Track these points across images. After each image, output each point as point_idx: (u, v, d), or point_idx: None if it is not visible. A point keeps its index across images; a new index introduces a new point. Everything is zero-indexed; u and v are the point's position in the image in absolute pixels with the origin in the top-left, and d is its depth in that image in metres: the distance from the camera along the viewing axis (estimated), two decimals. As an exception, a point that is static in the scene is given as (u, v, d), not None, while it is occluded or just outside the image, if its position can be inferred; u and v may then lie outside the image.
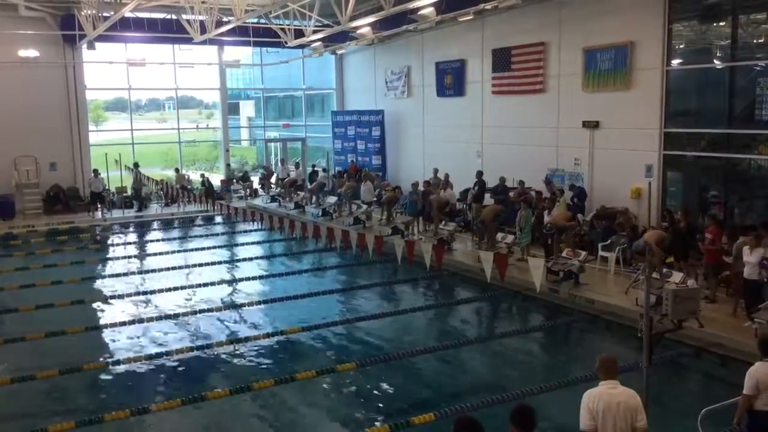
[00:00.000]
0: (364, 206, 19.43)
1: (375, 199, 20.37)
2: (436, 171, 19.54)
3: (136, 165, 23.69)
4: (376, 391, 8.70)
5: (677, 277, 10.36)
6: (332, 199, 20.86)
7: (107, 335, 11.05)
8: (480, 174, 17.85)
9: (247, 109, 35.41)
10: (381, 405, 8.27)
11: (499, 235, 14.66)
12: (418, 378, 9.19)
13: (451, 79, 20.77)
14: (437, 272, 13.20)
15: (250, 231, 19.33)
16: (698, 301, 9.63)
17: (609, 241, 13.49)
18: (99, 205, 22.02)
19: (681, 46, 14.43)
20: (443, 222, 16.50)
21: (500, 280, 11.62)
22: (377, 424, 7.63)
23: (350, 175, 22.87)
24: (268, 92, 31.16)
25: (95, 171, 22.49)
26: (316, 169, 26.50)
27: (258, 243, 18.17)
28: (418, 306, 12.41)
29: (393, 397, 8.53)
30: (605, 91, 15.51)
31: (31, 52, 21.46)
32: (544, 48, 17.21)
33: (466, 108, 20.16)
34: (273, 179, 25.50)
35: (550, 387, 8.23)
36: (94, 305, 12.69)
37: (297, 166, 25.46)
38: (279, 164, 26.48)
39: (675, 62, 14.34)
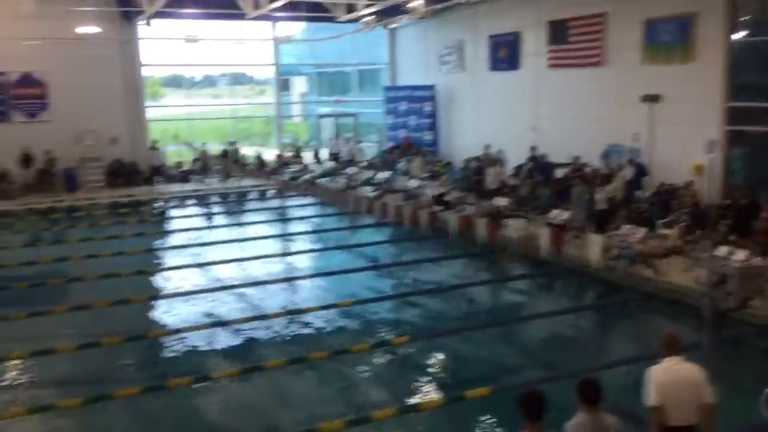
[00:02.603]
0: (417, 181, 19.38)
1: (427, 174, 20.29)
2: (488, 147, 19.34)
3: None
4: (429, 365, 8.75)
5: (741, 254, 10.05)
6: (385, 174, 20.85)
7: (168, 304, 11.38)
8: (533, 149, 17.60)
9: (299, 85, 35.62)
10: (435, 378, 8.31)
11: (555, 212, 14.45)
12: (471, 353, 9.20)
13: (505, 53, 20.44)
14: (490, 248, 13.13)
15: (303, 205, 19.54)
16: (765, 278, 9.34)
17: (669, 218, 13.16)
18: (158, 179, 22.58)
19: (746, 18, 13.84)
20: (496, 198, 16.36)
21: (555, 257, 11.49)
22: (431, 397, 7.70)
23: (403, 152, 22.82)
24: (319, 68, 31.23)
25: (154, 145, 23.04)
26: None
27: (310, 217, 18.35)
28: (471, 281, 12.35)
29: (446, 371, 8.57)
30: (666, 64, 15.03)
31: (91, 29, 21.90)
32: (602, 19, 16.75)
33: (521, 82, 19.83)
34: (325, 154, 25.65)
35: (606, 365, 8.14)
36: (155, 275, 13.08)
37: (347, 141, 25.54)
38: (331, 139, 26.61)
39: (739, 34, 13.78)
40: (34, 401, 7.60)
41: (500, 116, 20.70)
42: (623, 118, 16.24)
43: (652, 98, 15.40)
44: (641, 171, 15.10)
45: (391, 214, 14.62)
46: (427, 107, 23.98)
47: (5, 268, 13.15)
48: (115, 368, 8.74)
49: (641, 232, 12.05)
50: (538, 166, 17.34)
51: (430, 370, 8.58)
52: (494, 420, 7.03)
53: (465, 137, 22.55)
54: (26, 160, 21.38)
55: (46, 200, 20.23)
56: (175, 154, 24.24)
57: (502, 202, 15.83)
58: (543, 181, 16.50)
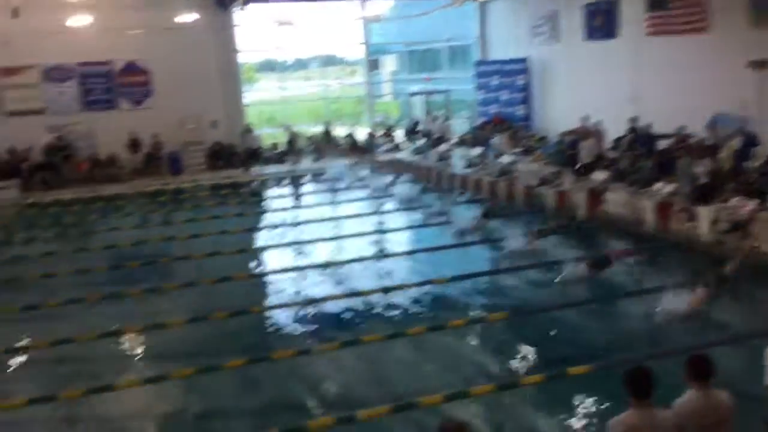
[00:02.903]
0: (510, 157, 19.07)
1: (520, 149, 19.92)
2: (585, 119, 18.71)
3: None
4: (528, 341, 8.60)
5: None
6: (477, 151, 20.64)
7: (268, 281, 11.79)
8: (634, 120, 16.89)
9: (388, 63, 35.66)
10: (534, 355, 8.19)
11: (658, 185, 13.86)
12: (572, 330, 9.01)
13: (600, 21, 19.62)
14: (590, 223, 12.75)
15: (396, 183, 19.60)
16: None
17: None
18: (254, 161, 23.29)
19: None
20: (595, 171, 15.85)
21: (660, 231, 11.03)
22: (530, 373, 7.62)
23: (494, 127, 22.47)
24: (409, 46, 31.15)
25: (249, 128, 23.74)
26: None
27: (403, 195, 18.36)
28: (571, 258, 11.98)
29: (545, 348, 8.41)
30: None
31: (189, 17, 22.74)
32: (708, -19, 15.78)
33: (618, 51, 18.98)
34: (417, 132, 25.62)
35: (715, 343, 7.78)
36: (256, 254, 13.55)
37: (435, 119, 25.40)
38: (422, 117, 26.55)
39: None
40: (148, 372, 8.08)
41: (597, 87, 19.94)
42: (729, 85, 15.26)
43: (760, 64, 14.41)
44: (750, 141, 14.19)
45: (484, 190, 14.44)
46: (520, 81, 23.44)
47: (118, 248, 14.00)
48: (222, 341, 9.11)
49: (751, 204, 11.39)
50: (639, 138, 16.62)
51: (528, 346, 8.46)
52: (597, 397, 6.88)
53: (559, 110, 21.89)
54: (134, 145, 22.54)
55: (154, 183, 21.30)
56: (270, 136, 24.88)
57: (601, 175, 15.35)
58: (644, 154, 15.82)
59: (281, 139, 25.05)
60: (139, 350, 8.96)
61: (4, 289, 11.70)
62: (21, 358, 8.70)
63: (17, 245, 15.59)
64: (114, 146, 22.17)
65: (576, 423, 6.56)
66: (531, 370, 7.77)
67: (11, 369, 8.47)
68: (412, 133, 25.69)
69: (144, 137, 22.54)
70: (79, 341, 8.91)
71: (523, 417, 6.76)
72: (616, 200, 13.68)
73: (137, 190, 20.57)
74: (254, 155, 23.54)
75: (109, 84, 22.79)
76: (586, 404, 6.89)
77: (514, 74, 23.71)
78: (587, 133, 17.70)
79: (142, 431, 6.87)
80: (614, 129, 17.50)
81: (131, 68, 22.92)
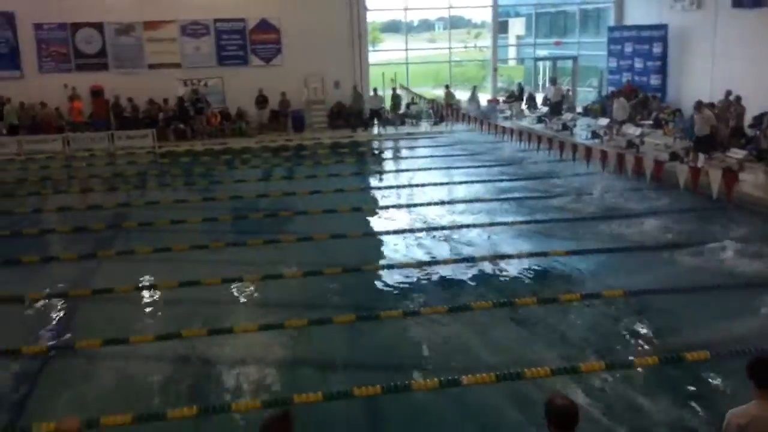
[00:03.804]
0: (639, 129, 18.15)
1: (651, 122, 18.91)
2: (728, 93, 17.39)
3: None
4: (644, 321, 8.24)
5: None
6: (604, 122, 19.80)
7: (381, 241, 11.94)
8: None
9: (516, 26, 34.65)
10: (649, 336, 7.85)
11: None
12: (695, 314, 8.55)
13: (752, -13, 18.05)
14: (724, 204, 11.91)
15: (517, 150, 19.15)
16: None
17: None
18: (376, 122, 23.53)
19: None
20: (732, 149, 14.79)
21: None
22: (644, 354, 7.32)
23: (625, 96, 21.35)
24: (539, 8, 30.07)
25: (375, 89, 23.98)
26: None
27: (524, 162, 17.93)
28: (702, 240, 11.19)
29: (662, 331, 8.02)
30: None
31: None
32: None
33: (770, 19, 17.44)
34: (540, 99, 24.90)
35: None
36: (371, 213, 13.76)
37: (560, 85, 24.51)
38: (547, 83, 25.72)
39: None
40: (264, 319, 8.47)
41: (742, 60, 18.43)
42: None
43: None
44: None
45: (611, 162, 13.79)
46: (656, 49, 22.09)
47: (244, 199, 14.69)
48: (333, 296, 9.39)
49: None
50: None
51: (645, 326, 8.11)
52: (716, 384, 6.52)
53: (697, 83, 20.46)
54: (262, 101, 23.35)
55: (278, 139, 22.05)
56: (391, 97, 24.98)
57: (738, 154, 14.33)
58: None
59: (402, 100, 25.10)
60: (257, 298, 9.39)
61: (140, 231, 12.62)
62: (152, 296, 9.37)
63: (151, 191, 16.71)
64: (243, 101, 23.08)
65: (689, 411, 6.26)
66: (645, 350, 7.47)
67: (143, 305, 9.15)
68: (534, 99, 24.99)
69: (270, 94, 23.27)
70: (203, 285, 9.46)
71: (634, 399, 6.52)
72: (754, 181, 12.70)
73: (262, 145, 21.39)
74: (374, 116, 23.78)
75: (242, 41, 23.64)
76: (704, 391, 6.57)
77: (651, 41, 22.36)
78: (727, 108, 16.49)
79: (256, 374, 7.22)
80: (757, 106, 16.17)
81: (264, 26, 23.64)
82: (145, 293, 9.46)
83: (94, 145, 21.26)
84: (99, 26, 22.68)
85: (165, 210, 13.91)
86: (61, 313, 8.88)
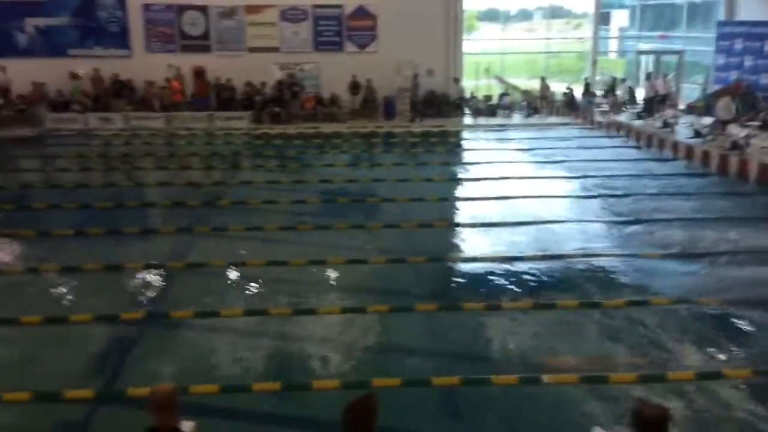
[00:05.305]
0: (746, 130, 17.16)
1: (760, 123, 17.84)
2: None
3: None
4: (740, 331, 7.84)
5: None
6: (707, 120, 18.86)
7: (467, 233, 11.87)
8: None
9: (619, 18, 33.46)
10: (744, 346, 7.46)
11: None
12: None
13: None
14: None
15: (614, 147, 18.54)
16: None
17: None
18: (466, 111, 23.34)
19: None
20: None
21: None
22: (736, 365, 6.97)
23: (732, 95, 20.26)
24: (644, 0, 28.93)
25: (456, 79, 23.72)
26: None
27: (620, 160, 17.33)
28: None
29: (761, 340, 7.62)
30: None
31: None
32: None
33: None
34: (641, 94, 23.98)
35: None
36: (457, 204, 13.71)
37: (664, 80, 23.45)
38: (650, 78, 24.70)
39: None
40: (347, 302, 8.61)
41: None
42: None
43: None
44: None
45: (714, 163, 13.09)
46: (770, 46, 20.84)
47: (332, 183, 14.93)
48: (416, 284, 9.43)
49: None
50: None
51: (739, 336, 7.72)
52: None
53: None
54: (355, 87, 23.60)
55: (368, 125, 22.25)
56: (484, 87, 24.71)
57: None
58: None
59: (495, 90, 24.78)
60: (341, 281, 9.55)
61: (233, 209, 13.08)
62: (242, 272, 9.70)
63: (246, 171, 17.26)
64: (336, 87, 23.40)
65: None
66: (738, 361, 7.12)
67: (233, 280, 9.50)
68: (634, 94, 24.10)
69: (364, 81, 23.46)
70: (290, 265, 9.72)
71: (726, 408, 6.24)
72: None
73: (353, 131, 21.64)
74: (467, 106, 23.59)
75: (339, 27, 23.93)
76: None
77: (763, 39, 21.09)
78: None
79: (336, 355, 7.36)
80: None
81: (360, 12, 23.83)
82: (236, 269, 9.80)
83: (194, 125, 22.10)
84: (204, 9, 23.47)
85: (257, 190, 14.36)
86: (158, 283, 9.34)
